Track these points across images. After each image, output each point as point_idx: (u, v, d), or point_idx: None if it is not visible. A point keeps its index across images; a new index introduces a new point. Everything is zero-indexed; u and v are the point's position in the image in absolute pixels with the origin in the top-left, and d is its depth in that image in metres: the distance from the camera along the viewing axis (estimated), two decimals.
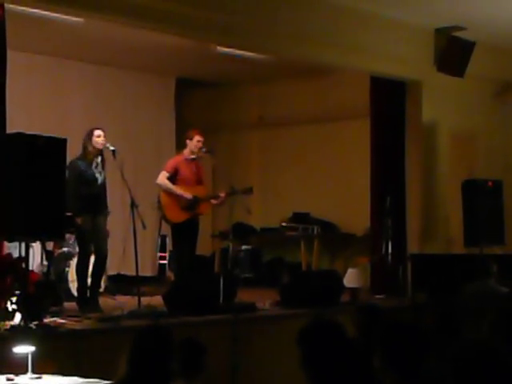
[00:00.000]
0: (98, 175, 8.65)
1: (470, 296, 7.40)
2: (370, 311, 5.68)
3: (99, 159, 8.69)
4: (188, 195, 9.34)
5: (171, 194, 9.34)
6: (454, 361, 2.89)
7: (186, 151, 9.53)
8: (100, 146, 8.62)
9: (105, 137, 8.64)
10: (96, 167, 8.66)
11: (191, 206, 9.37)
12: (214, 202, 9.58)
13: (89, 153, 8.62)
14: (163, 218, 9.53)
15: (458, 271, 9.36)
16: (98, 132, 8.64)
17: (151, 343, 3.97)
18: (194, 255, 9.68)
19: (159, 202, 9.40)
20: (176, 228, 9.46)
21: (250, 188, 9.64)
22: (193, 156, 9.49)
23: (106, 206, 8.85)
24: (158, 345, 3.97)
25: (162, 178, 9.36)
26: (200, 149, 9.46)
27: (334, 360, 3.62)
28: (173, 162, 9.53)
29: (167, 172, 9.37)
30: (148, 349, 3.94)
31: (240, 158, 14.05)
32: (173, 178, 9.38)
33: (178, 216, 9.34)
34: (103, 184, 8.74)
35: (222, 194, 9.45)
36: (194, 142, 9.45)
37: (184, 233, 9.40)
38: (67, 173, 7.87)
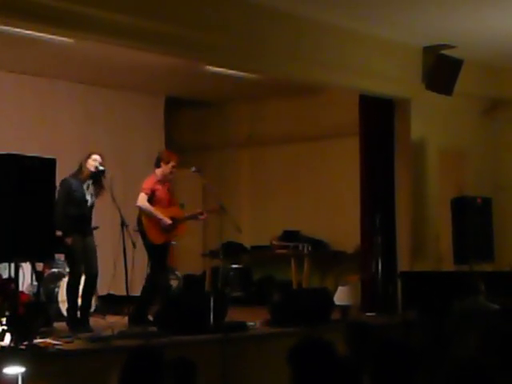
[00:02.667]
0: (88, 197, 8.66)
1: (460, 313, 7.41)
2: (361, 329, 5.68)
3: (91, 182, 8.71)
4: (168, 220, 9.25)
5: (152, 216, 9.25)
6: (445, 378, 2.90)
7: (159, 172, 9.35)
8: (91, 169, 8.65)
9: (101, 163, 8.65)
10: (87, 188, 8.67)
11: (170, 228, 9.32)
12: (201, 218, 9.61)
13: (82, 173, 8.67)
14: (143, 239, 9.40)
15: (448, 288, 9.38)
16: (95, 156, 8.70)
17: (143, 363, 3.97)
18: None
19: (140, 224, 9.30)
20: (155, 249, 9.32)
21: (220, 206, 9.51)
22: (164, 179, 9.38)
23: (91, 225, 8.89)
24: (149, 365, 3.96)
25: (143, 201, 9.20)
26: (172, 173, 9.39)
27: (324, 379, 3.62)
28: (150, 183, 9.33)
29: (146, 194, 9.22)
30: (139, 369, 3.93)
31: (230, 176, 14.05)
32: (150, 200, 9.28)
33: (159, 237, 9.26)
34: (92, 206, 8.77)
35: (204, 212, 9.49)
36: (169, 167, 9.30)
37: (162, 254, 9.35)
38: (58, 190, 7.89)
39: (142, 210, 9.25)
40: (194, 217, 9.61)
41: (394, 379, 3.62)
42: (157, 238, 9.25)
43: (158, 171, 9.38)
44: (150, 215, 9.21)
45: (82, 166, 8.68)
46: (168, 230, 9.29)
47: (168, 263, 9.58)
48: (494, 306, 7.41)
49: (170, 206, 9.44)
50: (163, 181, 9.37)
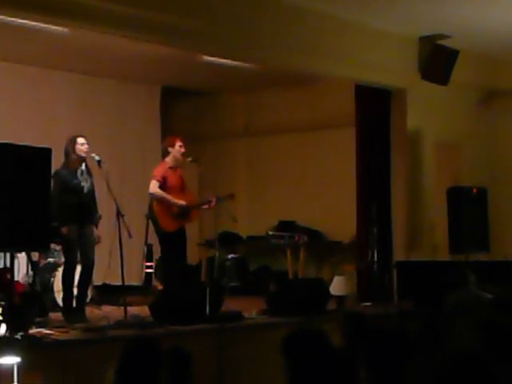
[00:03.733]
0: (83, 183, 8.60)
1: (452, 304, 7.42)
2: (357, 319, 5.68)
3: (83, 166, 8.64)
4: (182, 202, 9.34)
5: (163, 203, 9.31)
6: (438, 369, 2.90)
7: (170, 159, 9.48)
8: (84, 154, 8.57)
9: (88, 144, 8.61)
10: (81, 175, 8.61)
11: (183, 214, 9.39)
12: (205, 207, 9.60)
13: (72, 161, 8.55)
14: (155, 227, 9.48)
15: (444, 278, 9.39)
16: (81, 140, 8.58)
17: (140, 353, 3.96)
18: (186, 264, 9.72)
19: (152, 211, 9.37)
20: (166, 237, 9.42)
21: (231, 194, 9.65)
22: (176, 163, 9.47)
23: (96, 212, 8.81)
24: (146, 355, 3.96)
25: (154, 188, 9.31)
26: (183, 154, 9.45)
27: (319, 369, 3.62)
28: (161, 170, 9.46)
29: (157, 181, 9.34)
30: (136, 359, 3.93)
31: (226, 166, 14.06)
32: (161, 187, 9.37)
33: (171, 225, 9.34)
34: (90, 191, 8.69)
35: (213, 199, 9.47)
36: (177, 148, 9.42)
37: (174, 242, 9.40)
38: (52, 183, 7.84)
39: (153, 197, 9.31)
40: (207, 202, 9.63)
41: (389, 369, 3.62)
42: (168, 225, 9.33)
43: (169, 158, 9.47)
44: (162, 201, 9.27)
45: (69, 155, 8.57)
46: (181, 216, 9.34)
47: (184, 251, 9.57)
48: (486, 295, 7.41)
49: (183, 193, 9.48)
50: (175, 167, 9.45)
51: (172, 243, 9.42)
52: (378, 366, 3.64)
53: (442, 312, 7.07)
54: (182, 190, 9.52)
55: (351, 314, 6.12)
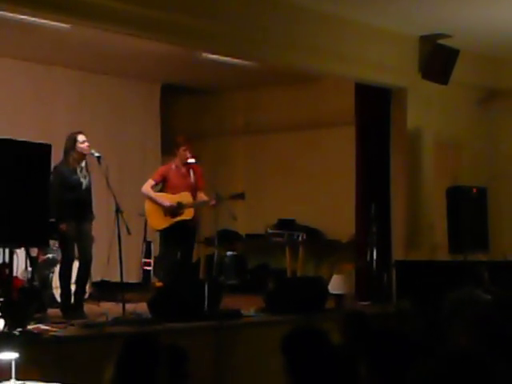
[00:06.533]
0: (82, 180, 8.61)
1: (451, 304, 7.40)
2: (359, 318, 5.66)
3: (83, 163, 8.65)
4: (166, 203, 9.40)
5: (153, 202, 9.47)
6: (437, 370, 2.89)
7: (177, 159, 9.64)
8: (86, 152, 8.59)
9: (88, 141, 8.61)
10: (81, 171, 8.62)
11: (174, 211, 9.43)
12: (212, 204, 9.51)
13: (72, 158, 8.57)
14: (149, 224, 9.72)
15: (443, 278, 9.38)
16: (81, 137, 8.59)
17: (138, 350, 3.95)
18: (190, 260, 9.77)
19: (144, 210, 9.59)
20: (161, 234, 9.58)
21: (241, 193, 9.70)
22: (183, 163, 9.58)
23: (91, 211, 8.82)
24: (145, 352, 3.95)
25: (146, 187, 9.56)
26: (187, 157, 9.53)
27: (317, 367, 3.61)
28: (161, 170, 9.74)
29: (153, 180, 9.59)
30: (136, 356, 3.92)
31: (226, 164, 14.04)
32: (162, 186, 9.53)
33: (161, 222, 9.47)
34: (88, 189, 8.70)
35: (212, 202, 9.44)
36: (181, 152, 9.54)
37: (172, 238, 9.45)
38: (51, 178, 7.84)
39: (144, 196, 9.51)
40: (203, 204, 9.64)
41: (390, 368, 3.61)
42: (158, 223, 9.46)
43: (176, 159, 9.61)
44: (151, 200, 9.36)
45: (69, 152, 8.57)
46: (172, 214, 9.39)
47: (187, 247, 9.60)
48: (486, 296, 7.39)
49: (184, 191, 9.51)
50: (181, 166, 9.55)
51: (167, 240, 9.51)
52: (380, 364, 3.63)
53: (440, 311, 7.06)
54: (186, 187, 9.54)
55: (352, 312, 6.10)
